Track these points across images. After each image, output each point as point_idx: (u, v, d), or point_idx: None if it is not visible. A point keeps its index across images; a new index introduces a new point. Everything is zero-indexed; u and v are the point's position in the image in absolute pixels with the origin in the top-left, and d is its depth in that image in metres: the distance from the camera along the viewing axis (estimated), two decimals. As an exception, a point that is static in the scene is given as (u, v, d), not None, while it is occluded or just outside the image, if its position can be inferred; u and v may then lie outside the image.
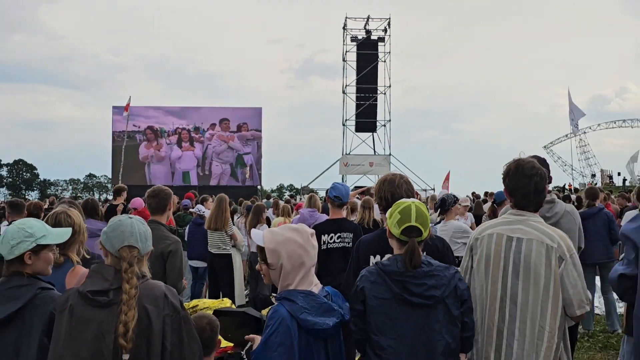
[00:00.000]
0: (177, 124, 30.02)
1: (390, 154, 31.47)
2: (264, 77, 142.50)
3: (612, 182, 40.24)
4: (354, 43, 31.63)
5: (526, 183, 2.45)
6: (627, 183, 38.01)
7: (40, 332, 2.12)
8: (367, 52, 31.28)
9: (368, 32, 31.68)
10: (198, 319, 2.52)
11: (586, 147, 46.63)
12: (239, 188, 27.68)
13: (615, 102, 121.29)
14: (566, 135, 42.30)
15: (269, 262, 2.06)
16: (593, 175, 43.99)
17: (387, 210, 2.40)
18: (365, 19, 31.60)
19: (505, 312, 2.37)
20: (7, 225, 3.63)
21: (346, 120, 32.25)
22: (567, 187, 31.72)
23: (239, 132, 30.08)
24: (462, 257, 2.65)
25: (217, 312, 2.75)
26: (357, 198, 7.84)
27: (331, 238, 4.25)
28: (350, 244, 4.21)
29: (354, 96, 31.72)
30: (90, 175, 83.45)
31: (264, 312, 3.08)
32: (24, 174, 77.75)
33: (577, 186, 34.75)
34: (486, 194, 13.63)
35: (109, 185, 55.90)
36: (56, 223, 2.74)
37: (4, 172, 75.92)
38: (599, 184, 37.18)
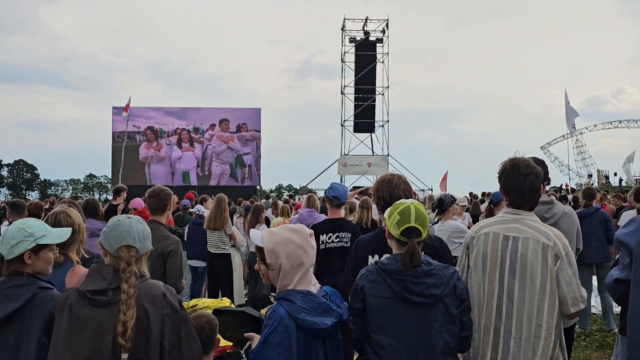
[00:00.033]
0: (177, 124, 30.01)
1: (388, 155, 31.51)
2: (263, 77, 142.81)
3: (609, 182, 40.28)
4: (353, 44, 31.66)
5: (522, 182, 2.47)
6: (623, 183, 38.09)
7: (39, 332, 2.12)
8: (366, 53, 31.31)
9: (366, 33, 31.70)
10: (197, 318, 2.53)
11: (583, 147, 46.70)
12: (238, 188, 27.66)
13: (612, 103, 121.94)
14: (563, 136, 42.43)
15: (268, 263, 2.06)
16: (590, 176, 44.04)
17: (385, 210, 2.41)
18: (364, 20, 31.63)
19: (502, 311, 2.39)
20: (8, 225, 3.64)
21: (345, 120, 32.29)
22: (563, 187, 31.80)
23: (238, 132, 30.09)
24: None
25: (216, 312, 2.77)
26: (356, 198, 7.86)
27: (329, 238, 4.26)
28: (349, 243, 4.22)
29: (352, 97, 31.77)
30: (90, 176, 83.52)
31: (263, 311, 3.10)
32: (25, 174, 77.72)
33: (574, 186, 34.81)
34: (483, 194, 13.65)
35: (109, 186, 55.84)
36: (56, 223, 2.75)
37: (5, 172, 75.90)
38: (596, 184, 37.26)
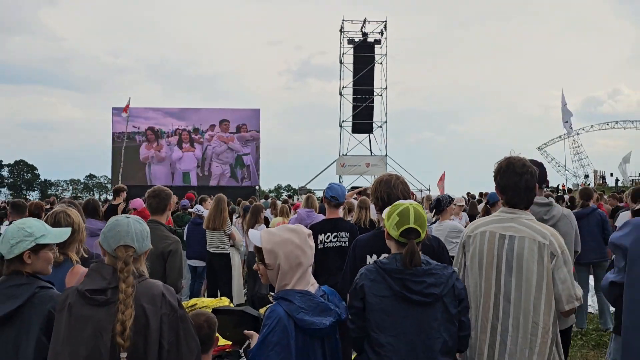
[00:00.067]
0: (177, 125, 30.03)
1: (386, 155, 31.58)
2: (262, 78, 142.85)
3: (605, 182, 40.34)
4: (351, 45, 31.74)
5: (517, 181, 2.49)
6: (619, 183, 38.13)
7: (38, 331, 2.13)
8: (364, 54, 31.38)
9: (365, 34, 31.77)
10: (196, 316, 2.52)
11: (579, 148, 46.70)
12: (237, 188, 27.68)
13: (608, 103, 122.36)
14: (560, 137, 42.44)
15: (267, 263, 2.07)
16: (586, 176, 44.06)
17: (383, 210, 2.42)
18: (362, 22, 31.72)
19: (499, 309, 2.40)
20: (9, 225, 3.65)
21: (343, 121, 32.35)
22: (560, 187, 31.85)
23: (238, 133, 30.10)
24: None
25: (215, 311, 2.77)
26: (355, 198, 7.88)
27: (328, 237, 4.28)
28: (347, 243, 4.24)
29: (350, 98, 31.83)
30: (91, 176, 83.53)
31: (262, 310, 3.10)
32: (25, 174, 77.74)
33: (571, 187, 34.91)
34: (481, 194, 13.68)
35: (109, 186, 55.81)
36: (55, 222, 2.75)
37: (5, 173, 75.92)
38: (592, 185, 37.28)
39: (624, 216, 6.19)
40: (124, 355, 1.90)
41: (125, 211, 6.82)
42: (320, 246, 4.21)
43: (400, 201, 2.34)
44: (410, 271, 2.14)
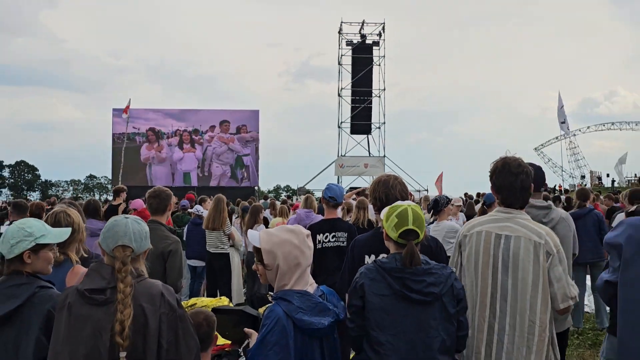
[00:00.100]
0: (177, 126, 30.04)
1: (384, 156, 31.62)
2: (261, 80, 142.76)
3: (601, 183, 40.33)
4: (349, 47, 31.82)
5: (512, 180, 2.50)
6: (615, 184, 38.12)
7: (38, 331, 2.13)
8: (362, 55, 31.44)
9: (363, 36, 31.84)
10: (195, 314, 2.53)
11: (576, 149, 46.67)
12: (237, 189, 27.68)
13: (605, 105, 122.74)
14: (556, 138, 42.44)
15: (266, 263, 2.07)
16: (583, 177, 44.01)
17: (381, 211, 2.43)
18: (360, 24, 31.78)
19: (495, 308, 2.42)
20: (9, 225, 3.67)
21: (342, 122, 32.38)
22: (557, 188, 31.87)
23: (238, 133, 30.12)
24: None
25: (215, 310, 2.79)
26: (353, 199, 7.90)
27: (326, 237, 4.30)
28: (345, 243, 4.26)
29: (349, 99, 31.94)
30: (91, 176, 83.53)
31: (261, 310, 3.12)
32: (26, 175, 77.69)
33: (567, 187, 34.96)
34: (478, 194, 13.74)
35: (109, 186, 55.77)
36: (55, 222, 2.76)
37: (6, 173, 75.84)
38: (589, 185, 37.28)
39: (620, 218, 6.22)
40: (123, 354, 1.90)
41: (125, 211, 6.83)
42: (319, 246, 4.23)
43: (399, 202, 2.34)
44: (410, 270, 2.15)
